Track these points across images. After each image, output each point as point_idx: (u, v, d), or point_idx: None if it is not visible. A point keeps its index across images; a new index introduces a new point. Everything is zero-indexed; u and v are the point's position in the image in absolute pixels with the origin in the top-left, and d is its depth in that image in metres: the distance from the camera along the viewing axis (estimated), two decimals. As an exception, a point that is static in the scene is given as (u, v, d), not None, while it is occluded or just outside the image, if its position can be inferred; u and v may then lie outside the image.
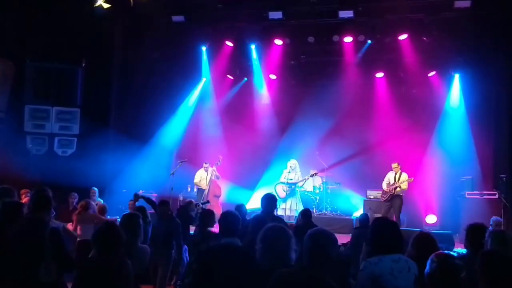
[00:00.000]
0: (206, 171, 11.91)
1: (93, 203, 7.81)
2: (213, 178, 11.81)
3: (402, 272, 3.30)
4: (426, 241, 3.98)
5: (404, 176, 10.67)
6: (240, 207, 6.96)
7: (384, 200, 10.84)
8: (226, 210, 4.24)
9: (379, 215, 9.93)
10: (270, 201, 5.78)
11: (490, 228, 7.34)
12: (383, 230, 3.51)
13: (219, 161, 11.86)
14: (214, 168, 11.86)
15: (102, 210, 7.87)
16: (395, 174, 10.80)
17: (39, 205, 4.48)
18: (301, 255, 3.19)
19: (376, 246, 3.45)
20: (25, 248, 4.05)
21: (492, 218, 8.10)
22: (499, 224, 8.30)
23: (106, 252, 3.73)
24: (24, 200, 7.01)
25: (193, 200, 8.91)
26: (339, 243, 6.67)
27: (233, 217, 3.97)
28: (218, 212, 8.72)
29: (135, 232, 4.28)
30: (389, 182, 10.85)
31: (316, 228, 3.37)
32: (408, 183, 10.56)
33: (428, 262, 3.20)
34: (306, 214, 7.37)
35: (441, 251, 3.39)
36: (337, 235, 7.10)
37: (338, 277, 3.54)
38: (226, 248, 3.72)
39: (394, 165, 10.84)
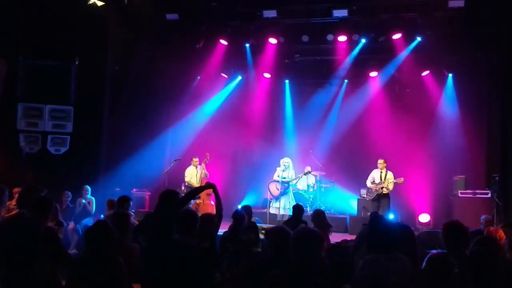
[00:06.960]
0: (196, 167, 11.57)
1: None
2: (202, 176, 11.63)
3: (398, 270, 3.30)
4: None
5: (390, 174, 10.65)
6: (246, 208, 7.00)
7: (371, 200, 10.80)
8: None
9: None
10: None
11: (481, 226, 7.43)
12: (381, 228, 3.52)
13: (206, 158, 11.50)
14: (203, 165, 11.67)
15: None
16: (381, 172, 10.73)
17: (31, 204, 4.47)
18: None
19: (373, 244, 3.45)
20: (19, 248, 4.05)
21: (481, 217, 8.16)
22: (489, 221, 8.36)
23: (97, 249, 3.73)
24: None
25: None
26: (334, 242, 6.67)
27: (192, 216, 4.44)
28: (211, 211, 8.69)
29: (124, 230, 4.33)
30: (374, 181, 10.82)
31: (301, 227, 3.37)
32: (399, 183, 10.59)
33: (424, 260, 3.23)
34: (297, 209, 7.37)
35: (435, 250, 3.42)
36: (331, 234, 7.09)
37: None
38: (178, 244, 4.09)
39: (381, 161, 10.74)
